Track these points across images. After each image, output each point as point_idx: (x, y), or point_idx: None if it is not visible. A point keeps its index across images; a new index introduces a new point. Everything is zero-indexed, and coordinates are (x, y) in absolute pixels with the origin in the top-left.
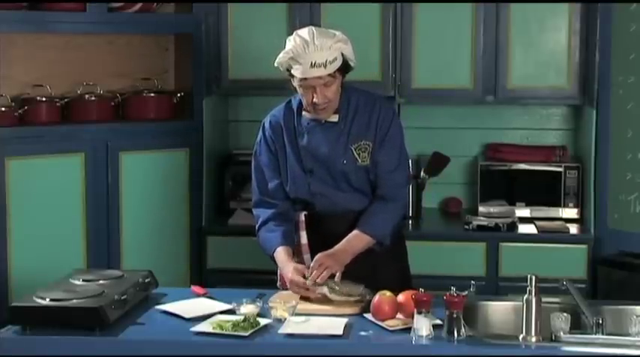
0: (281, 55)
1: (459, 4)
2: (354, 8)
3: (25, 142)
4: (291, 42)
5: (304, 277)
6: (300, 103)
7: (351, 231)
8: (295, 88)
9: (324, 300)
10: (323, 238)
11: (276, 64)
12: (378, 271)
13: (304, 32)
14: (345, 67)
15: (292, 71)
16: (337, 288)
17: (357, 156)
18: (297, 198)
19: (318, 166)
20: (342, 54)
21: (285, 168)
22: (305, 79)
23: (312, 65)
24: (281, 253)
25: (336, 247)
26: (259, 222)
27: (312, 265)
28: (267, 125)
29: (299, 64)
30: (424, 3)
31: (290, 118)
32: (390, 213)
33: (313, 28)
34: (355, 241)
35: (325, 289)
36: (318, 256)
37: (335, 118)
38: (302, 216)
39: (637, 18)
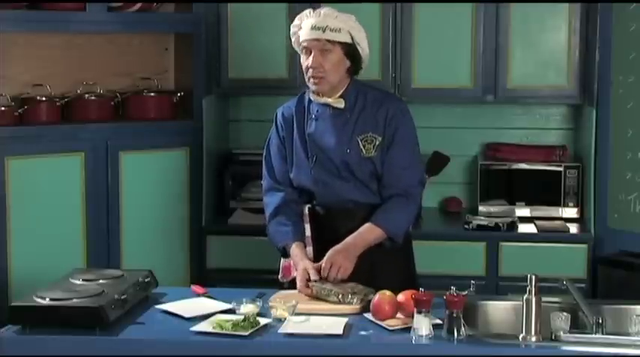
0: (292, 25)
1: (459, 4)
2: (354, 8)
3: (25, 142)
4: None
5: (309, 279)
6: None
7: (354, 225)
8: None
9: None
10: (327, 232)
11: (292, 39)
12: (380, 270)
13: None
14: (351, 51)
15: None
16: (343, 292)
17: (362, 147)
18: (300, 186)
19: (321, 153)
20: (351, 35)
21: (291, 154)
22: (305, 40)
23: (312, 27)
24: (294, 249)
25: (347, 239)
26: (270, 212)
27: (324, 263)
28: (279, 114)
29: (302, 28)
30: (424, 3)
31: (301, 106)
32: (407, 211)
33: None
34: (367, 233)
35: (333, 298)
36: (329, 253)
37: (341, 104)
38: (306, 209)
39: (637, 18)
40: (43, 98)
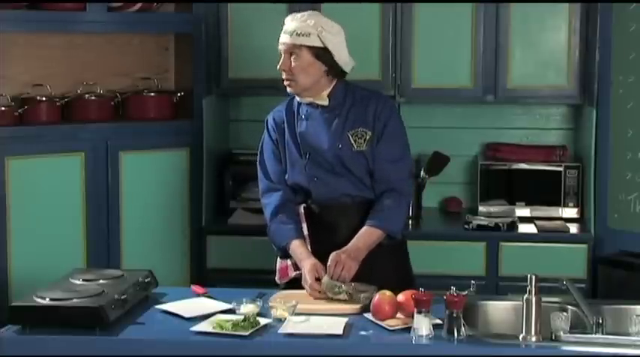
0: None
1: (459, 4)
2: (354, 8)
3: (25, 142)
4: None
5: (317, 279)
6: None
7: (349, 221)
8: None
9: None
10: (323, 229)
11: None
12: (379, 270)
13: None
14: (322, 55)
15: None
16: (351, 292)
17: (352, 141)
18: (295, 184)
19: (314, 150)
20: (322, 39)
21: (284, 154)
22: (279, 44)
23: (285, 31)
24: (299, 246)
25: (349, 245)
26: (270, 212)
27: (328, 264)
28: (270, 120)
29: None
30: (424, 3)
31: (291, 109)
32: (401, 206)
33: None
34: (367, 236)
35: (342, 296)
36: (333, 254)
37: (324, 102)
38: (301, 208)
39: (637, 18)
40: (43, 98)
